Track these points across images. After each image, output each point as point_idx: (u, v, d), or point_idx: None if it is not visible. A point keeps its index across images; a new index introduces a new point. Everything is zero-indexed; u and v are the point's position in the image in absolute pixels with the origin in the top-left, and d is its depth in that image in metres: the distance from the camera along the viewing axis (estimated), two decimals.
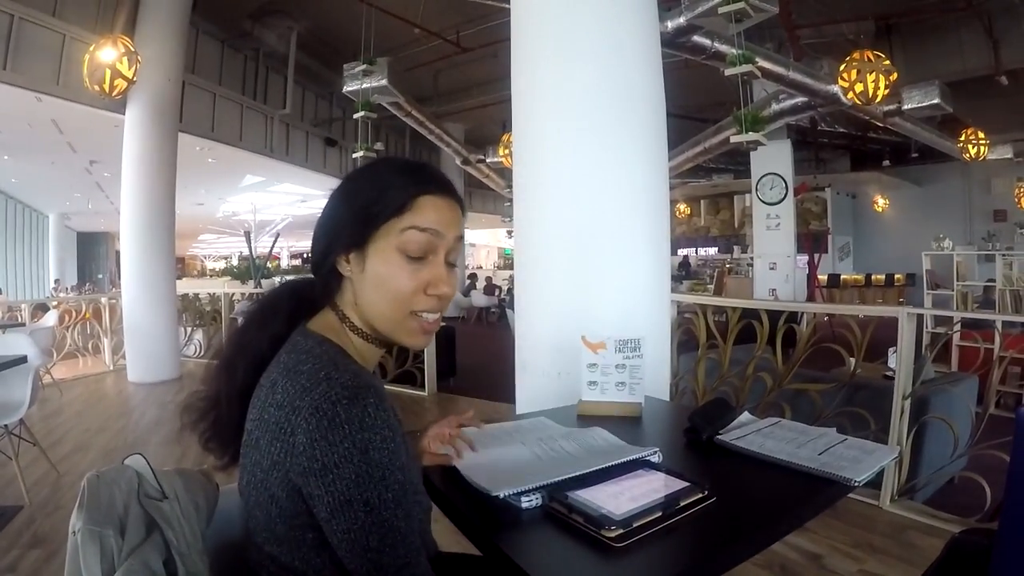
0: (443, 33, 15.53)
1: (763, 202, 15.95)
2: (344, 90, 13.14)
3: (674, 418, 2.68)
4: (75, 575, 1.21)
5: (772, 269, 15.81)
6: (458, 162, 18.31)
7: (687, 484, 1.59)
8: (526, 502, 1.55)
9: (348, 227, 1.44)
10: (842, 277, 22.64)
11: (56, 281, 27.06)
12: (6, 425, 5.01)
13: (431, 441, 1.91)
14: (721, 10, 8.23)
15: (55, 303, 12.72)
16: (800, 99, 12.02)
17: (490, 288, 22.06)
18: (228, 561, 1.53)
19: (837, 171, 23.34)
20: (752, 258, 17.91)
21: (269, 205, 26.71)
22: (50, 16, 10.31)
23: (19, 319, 10.90)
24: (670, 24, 9.33)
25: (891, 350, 5.09)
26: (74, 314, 12.03)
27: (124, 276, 10.59)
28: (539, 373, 4.06)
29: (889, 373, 5.29)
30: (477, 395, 8.92)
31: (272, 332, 1.50)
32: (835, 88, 11.02)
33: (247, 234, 19.24)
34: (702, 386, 5.93)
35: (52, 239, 28.49)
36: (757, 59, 9.46)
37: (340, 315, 1.49)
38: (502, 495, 1.57)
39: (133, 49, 9.77)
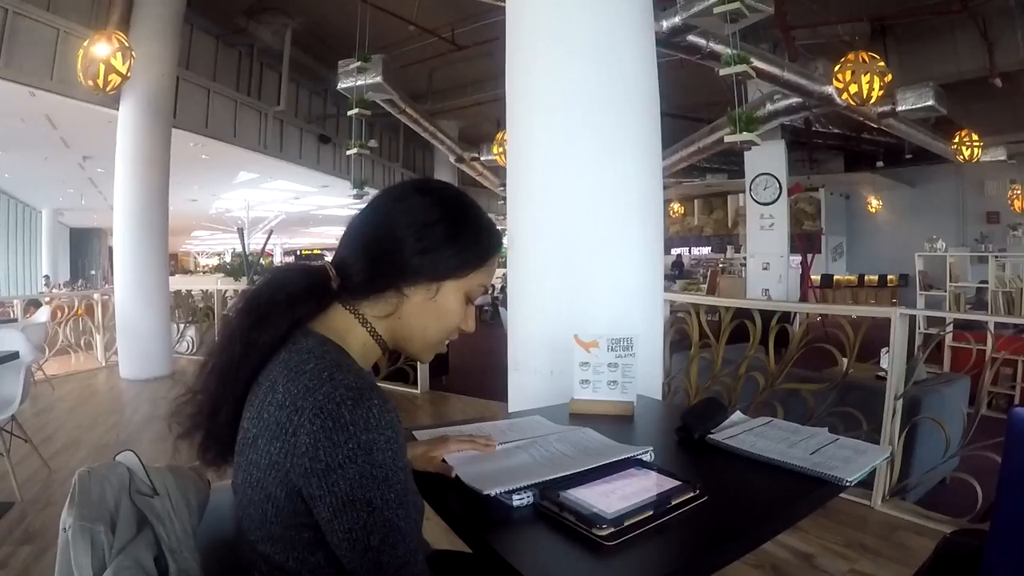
0: (438, 31, 15.56)
1: (757, 202, 15.94)
2: (338, 87, 13.13)
3: (666, 417, 2.68)
4: (66, 571, 1.21)
5: (765, 269, 15.80)
6: (452, 160, 18.31)
7: (679, 483, 1.59)
8: (517, 500, 1.54)
9: (431, 265, 1.50)
10: (835, 277, 22.70)
11: (46, 277, 26.96)
12: None
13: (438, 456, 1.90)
14: (716, 10, 8.23)
15: (47, 299, 12.69)
16: (794, 99, 12.05)
17: None
18: (219, 558, 1.53)
19: (831, 172, 23.41)
20: (745, 258, 17.88)
21: (262, 202, 26.66)
22: (44, 11, 10.31)
23: (11, 315, 10.89)
24: (665, 23, 9.33)
25: (883, 350, 5.09)
26: (66, 310, 12.01)
27: (117, 272, 10.57)
28: (531, 371, 4.06)
29: (881, 373, 5.29)
30: (469, 393, 8.91)
31: (272, 334, 1.44)
32: (829, 89, 11.04)
33: (240, 231, 19.19)
34: (694, 385, 5.94)
35: (45, 235, 28.37)
36: (752, 59, 9.46)
37: (356, 315, 1.50)
38: (493, 493, 1.56)
39: (127, 44, 9.73)
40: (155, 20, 10.53)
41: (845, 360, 5.26)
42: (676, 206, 28.82)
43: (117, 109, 10.40)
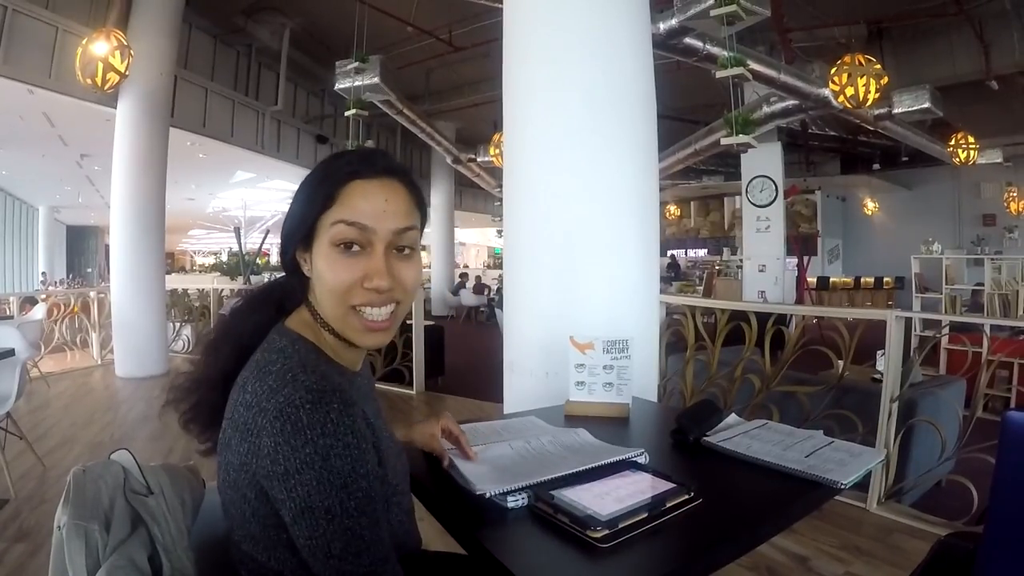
0: (435, 32, 15.53)
1: (753, 204, 15.93)
2: (336, 87, 13.13)
3: (661, 419, 2.68)
4: (60, 570, 1.21)
5: (761, 271, 15.79)
6: (449, 161, 18.34)
7: (673, 485, 1.59)
8: (512, 502, 1.55)
9: (296, 228, 1.43)
10: (831, 280, 22.63)
11: (43, 274, 26.95)
12: None
13: (437, 430, 1.91)
14: (713, 12, 8.23)
15: (43, 296, 12.69)
16: (791, 102, 12.03)
17: (479, 287, 22.04)
18: (213, 557, 1.53)
19: (827, 174, 23.39)
20: (741, 260, 17.90)
21: (259, 201, 26.68)
22: (43, 8, 10.28)
23: (7, 312, 10.88)
24: (662, 26, 9.33)
25: (879, 353, 5.10)
26: (62, 308, 12.01)
27: (113, 270, 10.58)
28: (527, 373, 4.06)
29: (877, 376, 5.31)
30: (465, 394, 8.92)
31: (257, 320, 1.49)
32: (826, 91, 11.04)
33: (237, 230, 19.19)
34: (690, 387, 5.94)
35: (42, 232, 28.36)
36: (748, 62, 9.47)
37: (312, 312, 1.47)
38: (488, 494, 1.57)
39: (126, 43, 9.72)
40: (153, 19, 10.53)
41: (841, 362, 5.26)
42: (672, 208, 28.82)
43: (115, 107, 10.40)
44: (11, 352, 5.14)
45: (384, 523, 1.26)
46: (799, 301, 16.87)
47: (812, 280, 20.49)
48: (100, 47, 9.49)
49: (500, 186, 6.38)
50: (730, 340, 5.87)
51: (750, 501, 1.73)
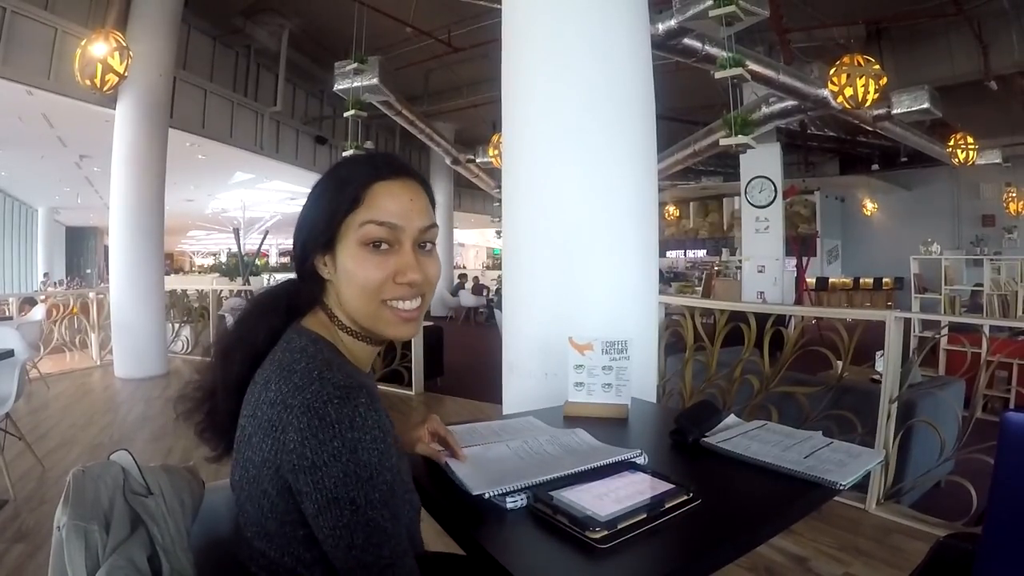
0: (434, 33, 15.53)
1: (752, 205, 15.96)
2: (335, 88, 13.17)
3: (660, 420, 2.68)
4: (59, 570, 1.21)
5: (760, 272, 15.82)
6: (448, 162, 18.37)
7: (672, 486, 1.59)
8: (511, 502, 1.55)
9: (318, 229, 1.45)
10: (830, 280, 22.63)
11: (45, 275, 26.96)
12: None
13: (424, 434, 1.91)
14: (712, 13, 8.25)
15: (43, 297, 12.69)
16: (790, 102, 12.05)
17: (478, 288, 22.03)
18: (213, 558, 1.53)
19: (826, 174, 23.39)
20: (740, 261, 17.91)
21: (258, 202, 26.69)
22: (42, 10, 10.29)
23: (6, 313, 10.88)
24: (661, 26, 9.34)
25: (878, 354, 5.10)
26: (62, 309, 12.01)
27: (112, 271, 10.57)
28: (526, 374, 4.06)
29: (876, 376, 5.30)
30: (464, 395, 8.92)
31: (270, 325, 1.50)
32: (825, 92, 11.07)
33: (236, 231, 19.23)
34: (689, 388, 5.94)
35: (41, 233, 28.35)
36: (747, 62, 9.49)
37: (329, 315, 1.50)
38: (487, 495, 1.57)
39: (125, 44, 9.73)
40: (152, 20, 10.55)
41: (840, 363, 5.26)
42: (671, 209, 28.82)
43: (114, 108, 10.41)
44: (10, 353, 5.15)
45: (403, 517, 1.28)
46: (798, 302, 16.89)
47: (811, 281, 20.50)
48: (99, 48, 9.51)
49: (499, 187, 6.41)
50: (729, 341, 5.87)
51: (749, 502, 1.73)
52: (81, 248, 34.22)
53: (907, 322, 5.34)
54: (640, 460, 1.81)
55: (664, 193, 24.97)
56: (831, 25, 14.45)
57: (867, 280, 22.34)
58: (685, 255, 30.44)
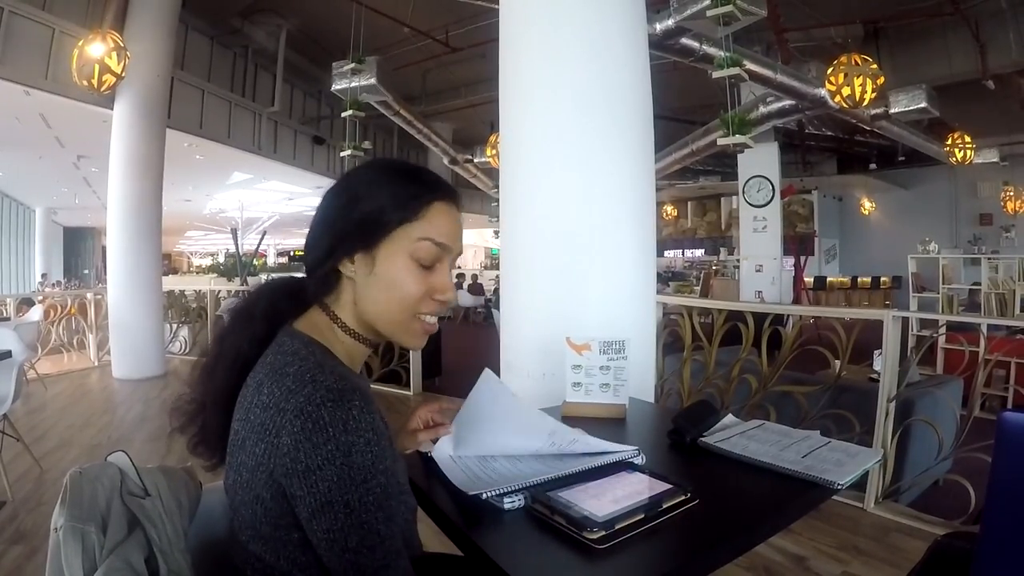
0: (432, 33, 15.55)
1: (750, 204, 15.95)
2: (332, 88, 13.18)
3: (658, 420, 2.68)
4: (57, 572, 1.21)
5: (758, 271, 15.81)
6: (446, 162, 18.36)
7: (670, 486, 1.59)
8: (508, 503, 1.55)
9: (357, 229, 1.44)
10: (828, 280, 22.67)
11: (43, 275, 26.94)
12: None
13: (419, 424, 1.96)
14: (709, 13, 8.24)
15: (40, 298, 12.69)
16: (787, 102, 12.07)
17: (476, 288, 22.00)
18: (210, 559, 1.53)
19: (824, 174, 23.41)
20: (738, 260, 17.91)
21: (256, 202, 26.66)
22: (40, 10, 10.29)
23: (4, 314, 10.88)
24: (659, 26, 9.35)
25: (876, 353, 5.10)
26: (59, 309, 12.01)
27: (110, 272, 10.56)
28: (524, 374, 4.06)
29: (874, 376, 5.31)
30: (462, 395, 8.69)
31: (251, 334, 1.49)
32: (822, 91, 11.08)
33: (234, 231, 19.24)
34: (687, 388, 5.94)
35: (39, 234, 28.32)
36: (745, 62, 9.49)
37: (331, 315, 1.49)
38: (484, 496, 1.57)
39: (122, 44, 9.73)
40: (150, 21, 10.54)
41: (838, 362, 5.27)
42: (669, 208, 28.84)
43: (112, 109, 10.41)
44: (8, 354, 5.14)
45: (398, 519, 1.29)
46: (796, 301, 16.91)
47: (809, 280, 20.52)
48: (96, 48, 9.51)
49: (497, 187, 6.39)
50: (727, 340, 5.88)
51: (747, 502, 1.73)
52: (79, 248, 34.17)
53: (905, 321, 5.36)
54: (638, 460, 1.81)
55: (662, 192, 25.00)
56: (829, 25, 14.48)
57: (865, 279, 22.37)
58: (683, 255, 30.46)
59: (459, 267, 33.29)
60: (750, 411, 5.36)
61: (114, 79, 9.67)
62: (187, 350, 12.52)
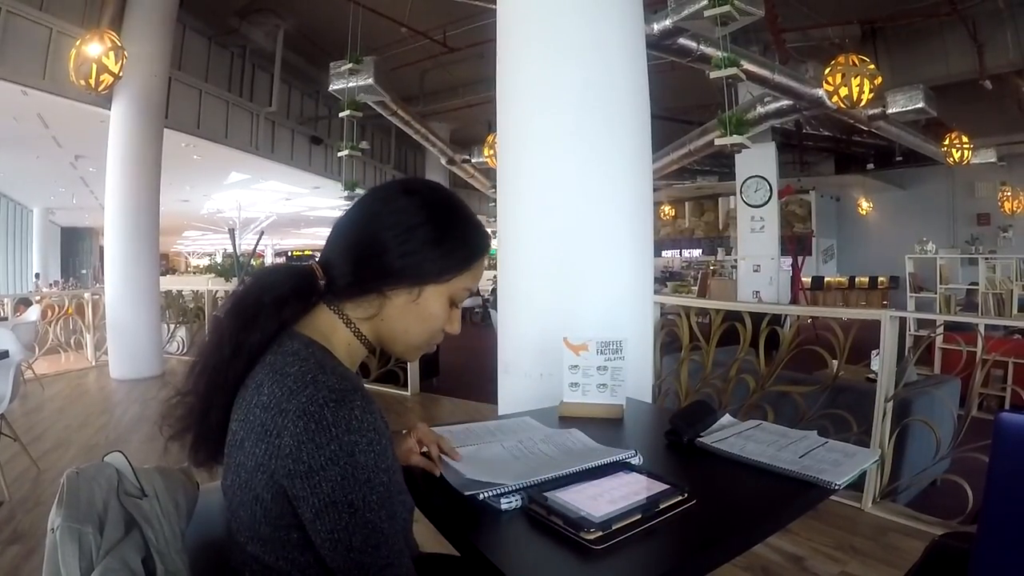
0: (430, 33, 15.54)
1: (747, 204, 15.97)
2: (330, 88, 13.16)
3: (655, 420, 2.68)
4: (54, 572, 1.21)
5: (756, 271, 15.83)
6: (443, 162, 18.34)
7: (667, 487, 1.59)
8: (505, 503, 1.55)
9: (419, 269, 1.49)
10: (826, 279, 22.69)
11: (37, 276, 26.89)
12: None
13: (414, 445, 1.90)
14: (707, 13, 8.24)
15: (38, 298, 12.68)
16: (785, 102, 12.07)
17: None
18: (207, 559, 1.53)
19: (821, 174, 23.40)
20: (736, 260, 17.91)
21: (254, 203, 26.62)
22: (37, 10, 10.26)
23: (1, 314, 10.88)
24: (656, 26, 9.35)
25: (874, 352, 5.10)
26: (57, 309, 12.01)
27: (107, 272, 10.54)
28: (521, 374, 4.06)
29: (872, 375, 5.30)
30: (460, 395, 8.92)
31: (258, 329, 1.42)
32: (820, 91, 11.07)
33: (231, 231, 19.17)
34: (685, 388, 5.94)
35: (36, 234, 28.27)
36: (742, 62, 9.48)
37: (343, 317, 1.49)
38: (481, 496, 1.57)
39: (120, 44, 9.72)
40: (147, 20, 10.53)
41: (836, 362, 5.26)
42: (667, 208, 28.83)
43: (109, 109, 10.41)
44: (5, 354, 5.14)
45: (400, 518, 1.29)
46: (794, 301, 16.93)
47: (807, 280, 20.54)
48: (94, 48, 9.50)
49: (494, 187, 6.39)
50: (725, 340, 5.87)
51: (744, 502, 1.74)
52: (76, 249, 34.11)
53: (903, 321, 5.34)
54: (635, 460, 1.81)
55: (659, 193, 25.00)
56: (826, 25, 14.47)
57: (863, 279, 22.39)
58: (681, 255, 30.46)
59: None
60: (748, 411, 5.36)
61: (111, 79, 9.66)
62: (184, 350, 12.52)
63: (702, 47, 10.03)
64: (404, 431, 1.91)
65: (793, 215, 23.15)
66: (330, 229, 1.57)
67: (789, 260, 18.26)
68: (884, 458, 4.73)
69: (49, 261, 29.20)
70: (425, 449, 1.86)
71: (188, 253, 49.67)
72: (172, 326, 12.75)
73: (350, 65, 12.36)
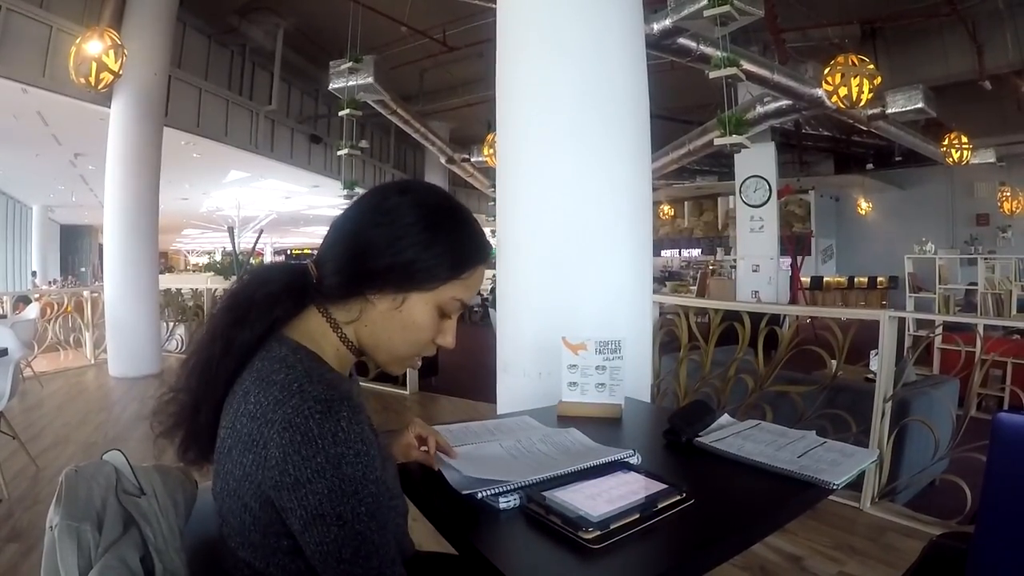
0: (429, 32, 15.54)
1: (747, 204, 15.96)
2: (330, 87, 13.15)
3: (654, 420, 2.68)
4: (52, 570, 1.21)
5: (755, 271, 15.82)
6: (443, 161, 18.33)
7: (665, 486, 1.59)
8: (504, 503, 1.55)
9: (402, 273, 1.42)
10: (825, 279, 22.67)
11: (34, 273, 26.89)
12: None
13: (412, 440, 1.89)
14: (706, 13, 8.23)
15: (37, 295, 12.68)
16: (784, 102, 12.07)
17: None
18: (206, 557, 1.53)
19: (821, 174, 23.41)
20: (735, 260, 17.91)
21: (253, 201, 26.61)
22: (37, 7, 10.26)
23: (0, 311, 10.87)
24: (655, 26, 9.34)
25: (873, 353, 5.10)
26: (56, 307, 12.00)
27: (107, 270, 10.56)
28: (520, 373, 4.06)
29: (871, 375, 5.31)
30: (459, 394, 8.92)
31: (250, 329, 1.43)
32: (819, 91, 11.07)
33: (231, 230, 19.20)
34: (684, 387, 5.94)
35: (35, 231, 28.27)
36: (742, 62, 9.47)
37: (330, 321, 1.46)
38: (480, 495, 1.58)
39: (119, 42, 9.73)
40: (147, 18, 10.54)
41: (834, 362, 5.26)
42: (666, 208, 28.83)
43: (109, 107, 10.41)
44: (4, 352, 5.14)
45: (390, 526, 1.28)
46: (793, 301, 16.92)
47: (806, 280, 20.54)
48: (94, 46, 9.50)
49: (494, 186, 6.40)
50: (724, 340, 5.87)
51: (742, 502, 1.74)
52: (76, 246, 34.12)
53: (901, 321, 5.35)
54: (633, 460, 1.82)
55: (659, 192, 25.01)
56: (826, 25, 14.47)
57: (862, 279, 22.39)
58: (680, 254, 30.45)
59: None
60: (746, 411, 5.36)
61: (111, 77, 9.66)
62: (183, 348, 12.46)
63: (702, 47, 10.03)
64: (400, 429, 1.91)
65: (792, 215, 23.15)
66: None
67: (788, 260, 18.27)
68: (883, 458, 4.74)
69: (48, 259, 29.20)
70: (425, 448, 1.86)
71: (187, 251, 49.68)
72: (171, 324, 12.74)
73: (350, 64, 12.35)
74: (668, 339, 6.16)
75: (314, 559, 1.20)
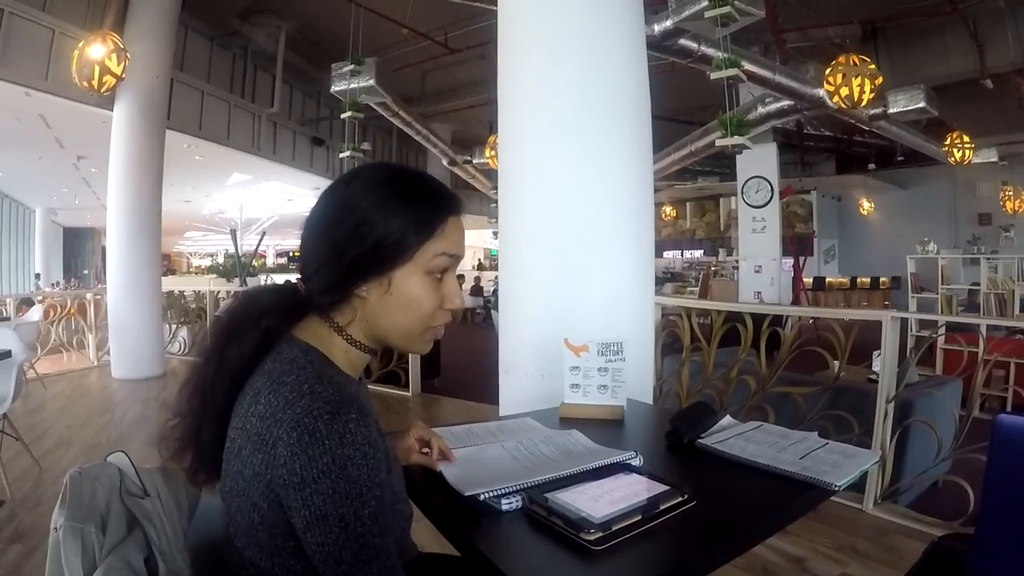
0: (431, 34, 15.57)
1: (749, 205, 15.97)
2: (332, 90, 13.12)
3: (656, 421, 2.69)
4: (56, 571, 1.21)
5: (757, 272, 15.82)
6: (445, 163, 18.32)
7: (668, 488, 1.60)
8: (506, 504, 1.56)
9: (374, 256, 1.40)
10: (827, 280, 22.65)
11: (37, 276, 26.90)
12: None
13: (413, 443, 1.90)
14: (707, 14, 8.22)
15: (40, 298, 12.69)
16: (786, 102, 12.06)
17: (476, 289, 21.99)
18: (209, 559, 1.53)
19: (823, 174, 23.37)
20: (737, 261, 17.90)
21: (255, 203, 26.61)
22: (40, 11, 10.29)
23: (4, 313, 10.88)
24: (656, 27, 9.34)
25: (875, 353, 5.09)
26: (59, 309, 12.02)
27: (110, 272, 10.59)
28: (522, 375, 4.06)
29: (873, 376, 5.30)
30: (461, 396, 8.92)
31: (244, 349, 1.42)
32: (820, 92, 11.05)
33: (233, 232, 19.17)
34: (686, 389, 5.94)
35: (38, 234, 28.28)
36: (743, 63, 9.46)
37: (334, 326, 1.46)
38: (481, 497, 1.58)
39: (122, 46, 9.74)
40: (149, 22, 10.56)
41: (837, 363, 5.26)
42: (668, 209, 28.77)
43: (111, 110, 10.43)
44: (8, 353, 5.15)
45: (393, 532, 1.29)
46: (795, 302, 16.93)
47: (808, 281, 20.52)
48: (96, 50, 9.52)
49: (495, 188, 6.41)
50: (726, 341, 5.87)
51: (744, 503, 1.74)
52: (79, 249, 34.10)
53: (904, 322, 5.36)
54: (635, 462, 1.82)
55: (660, 193, 24.97)
56: (826, 25, 14.46)
57: (864, 280, 22.36)
58: (682, 255, 30.39)
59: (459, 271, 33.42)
60: (748, 412, 5.35)
61: (114, 80, 9.68)
62: (186, 351, 12.52)
63: (703, 48, 10.02)
64: (401, 431, 1.91)
65: (794, 215, 23.14)
66: None
67: (790, 261, 18.26)
68: (885, 459, 4.73)
69: (51, 261, 29.21)
70: (426, 450, 1.86)
71: (190, 254, 49.66)
72: (174, 326, 12.74)
73: (351, 66, 12.34)
74: (670, 340, 6.16)
75: (315, 559, 1.20)
